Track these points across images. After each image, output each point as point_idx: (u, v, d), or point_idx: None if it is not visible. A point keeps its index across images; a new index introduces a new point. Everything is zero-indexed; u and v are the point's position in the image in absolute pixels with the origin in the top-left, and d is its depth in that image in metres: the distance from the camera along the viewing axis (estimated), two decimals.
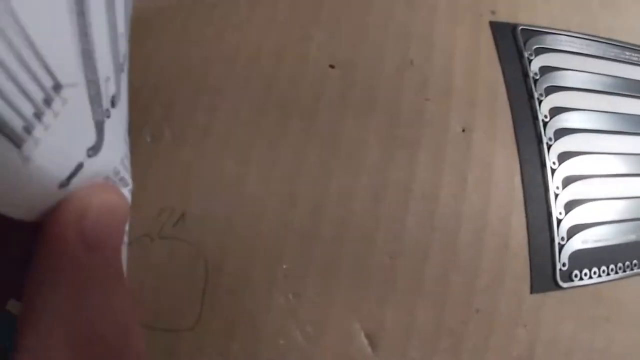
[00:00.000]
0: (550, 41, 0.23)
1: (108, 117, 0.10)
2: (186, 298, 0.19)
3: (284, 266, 0.19)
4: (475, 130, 0.20)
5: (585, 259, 0.21)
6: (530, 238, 0.20)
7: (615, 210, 0.22)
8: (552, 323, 0.20)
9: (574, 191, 0.21)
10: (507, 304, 0.19)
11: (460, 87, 0.21)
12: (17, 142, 0.07)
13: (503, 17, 0.24)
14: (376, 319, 0.18)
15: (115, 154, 0.11)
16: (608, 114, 0.23)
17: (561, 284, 0.20)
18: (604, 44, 0.25)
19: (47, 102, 0.08)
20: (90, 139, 0.09)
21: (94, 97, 0.09)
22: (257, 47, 0.21)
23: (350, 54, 0.21)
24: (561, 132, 0.21)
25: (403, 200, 0.19)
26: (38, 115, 0.08)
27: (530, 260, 0.20)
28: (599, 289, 0.22)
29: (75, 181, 0.09)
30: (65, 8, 0.08)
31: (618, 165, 0.22)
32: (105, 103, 0.09)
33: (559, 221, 0.20)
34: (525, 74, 0.22)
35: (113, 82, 0.10)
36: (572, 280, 0.21)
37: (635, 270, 0.23)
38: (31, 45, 0.07)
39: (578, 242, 0.21)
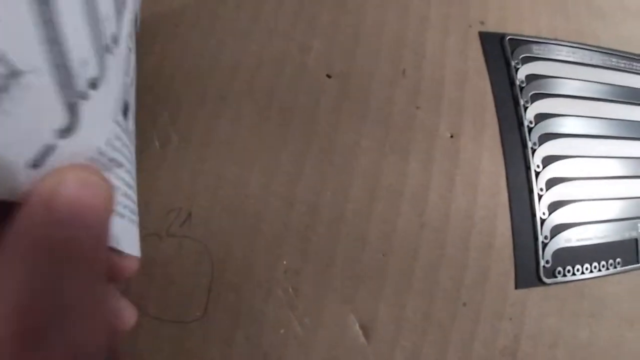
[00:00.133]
0: (536, 50, 0.25)
1: (85, 98, 0.10)
2: (193, 292, 0.20)
3: (284, 262, 0.20)
4: (463, 136, 0.21)
5: (569, 256, 0.22)
6: (514, 237, 0.21)
7: (598, 210, 0.23)
8: (537, 317, 0.22)
9: (557, 193, 0.22)
10: (492, 298, 0.21)
11: (450, 95, 0.22)
12: None
13: (492, 27, 0.25)
14: (369, 311, 0.20)
15: (98, 135, 0.11)
16: (591, 118, 0.24)
17: (545, 280, 0.21)
18: (590, 51, 0.26)
19: (4, 88, 0.08)
20: (59, 121, 0.09)
21: (64, 81, 0.09)
22: (259, 56, 0.23)
23: (346, 64, 0.22)
24: (545, 137, 0.23)
25: (394, 202, 0.20)
26: None
27: (514, 257, 0.21)
28: (582, 285, 0.23)
29: (51, 161, 0.09)
30: (24, 0, 0.08)
31: (600, 167, 0.23)
32: (82, 86, 0.10)
33: (543, 221, 0.21)
34: (512, 82, 0.23)
35: (94, 64, 0.10)
36: (556, 277, 0.22)
37: (618, 269, 0.24)
38: None
39: (561, 241, 0.22)
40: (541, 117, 0.23)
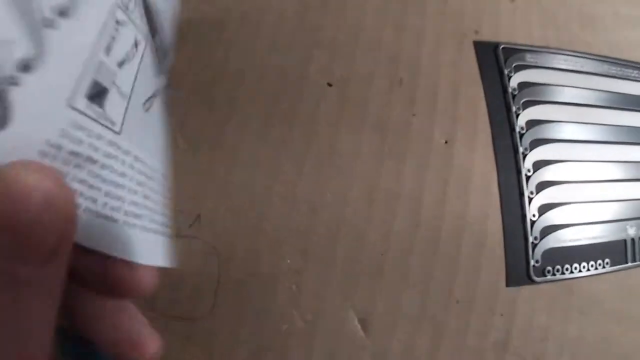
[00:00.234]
0: (529, 58, 0.26)
1: (15, 84, 0.08)
2: (201, 290, 0.21)
3: (288, 261, 0.21)
4: (457, 142, 0.22)
5: (558, 256, 0.23)
6: (505, 237, 0.22)
7: (587, 212, 0.24)
8: (527, 313, 0.23)
9: (547, 196, 0.23)
10: (484, 295, 0.22)
11: (445, 102, 0.23)
12: None
13: (486, 36, 0.26)
14: (367, 307, 0.21)
15: (43, 126, 0.09)
16: (581, 124, 0.25)
17: (535, 278, 0.23)
18: (581, 58, 0.27)
19: None
20: None
21: None
22: (264, 66, 0.24)
23: (345, 73, 0.23)
24: (536, 143, 0.24)
25: (392, 204, 0.21)
26: None
27: (505, 257, 0.22)
28: (572, 284, 0.24)
29: None
30: None
31: (590, 171, 0.24)
32: (8, 70, 0.08)
33: (533, 222, 0.23)
34: (505, 90, 0.24)
35: (22, 44, 0.09)
36: (545, 276, 0.23)
37: (607, 268, 0.25)
38: None
39: (551, 242, 0.23)
40: (532, 124, 0.24)
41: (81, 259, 0.10)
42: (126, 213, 0.11)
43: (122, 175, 0.11)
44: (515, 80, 0.25)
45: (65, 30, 0.10)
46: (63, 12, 0.10)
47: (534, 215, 0.23)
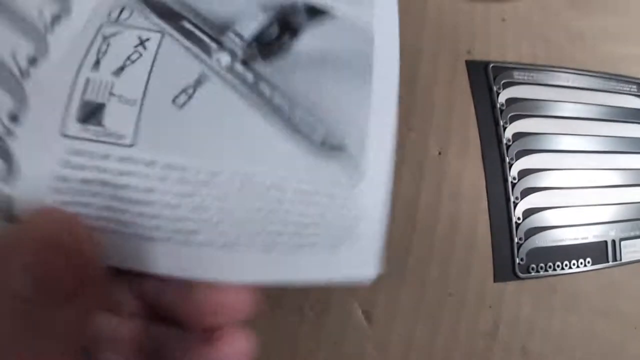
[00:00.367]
0: (517, 75, 0.28)
1: (11, 135, 0.09)
2: None
3: None
4: (449, 153, 0.25)
5: (542, 255, 0.26)
6: (493, 238, 0.25)
7: (568, 216, 0.27)
8: (513, 307, 0.25)
9: (531, 201, 0.26)
10: (474, 289, 0.24)
11: (439, 117, 0.26)
12: None
13: (478, 55, 0.29)
14: (370, 300, 0.23)
15: (42, 164, 0.09)
16: (564, 135, 0.28)
17: (520, 275, 0.25)
18: (566, 73, 0.29)
19: None
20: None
21: None
22: None
23: None
24: (522, 153, 0.26)
25: (391, 209, 0.24)
26: None
27: (493, 255, 0.25)
28: (555, 280, 0.26)
29: None
30: None
31: (570, 179, 0.27)
32: (3, 124, 0.09)
33: (517, 225, 0.25)
34: (494, 105, 0.27)
35: (7, 100, 0.09)
36: (530, 273, 0.25)
37: (589, 267, 0.27)
38: None
39: (534, 242, 0.26)
40: (518, 136, 0.27)
41: (159, 293, 0.10)
42: (174, 230, 0.10)
43: (149, 190, 0.10)
44: (503, 96, 0.27)
45: (41, 73, 0.10)
46: (33, 60, 0.10)
47: (518, 219, 0.25)
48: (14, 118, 0.09)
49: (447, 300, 0.24)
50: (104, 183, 0.10)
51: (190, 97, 0.12)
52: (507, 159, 0.26)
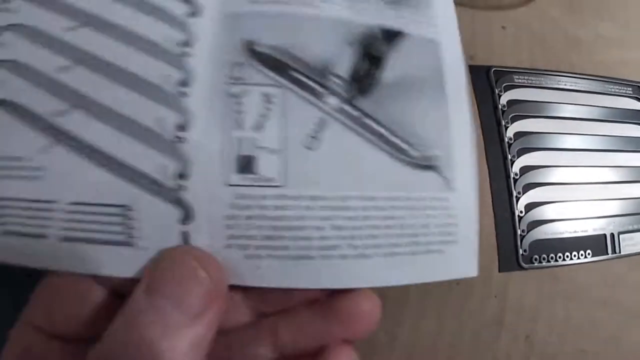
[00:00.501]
0: (516, 79, 0.30)
1: (183, 190, 0.13)
2: None
3: None
4: None
5: (544, 247, 0.27)
6: (497, 230, 0.26)
7: (568, 210, 0.28)
8: (518, 295, 0.27)
9: (532, 195, 0.27)
10: (480, 279, 0.26)
11: None
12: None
13: (480, 60, 0.31)
14: (379, 290, 0.25)
15: (214, 208, 0.13)
16: (562, 135, 0.29)
17: (523, 265, 0.27)
18: (564, 77, 0.31)
19: None
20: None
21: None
22: None
23: None
24: (522, 151, 0.28)
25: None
26: None
27: (497, 246, 0.26)
28: (557, 271, 0.28)
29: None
30: None
31: (569, 175, 0.29)
32: (175, 181, 0.13)
33: (520, 218, 0.27)
34: (496, 106, 0.29)
35: (173, 163, 0.13)
36: (533, 263, 0.27)
37: (589, 259, 0.29)
38: None
39: (536, 234, 0.27)
40: (519, 135, 0.28)
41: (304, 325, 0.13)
42: (320, 248, 0.13)
43: (300, 218, 0.13)
44: (504, 98, 0.29)
45: (193, 137, 0.12)
46: (181, 127, 0.12)
47: (521, 212, 0.27)
48: (182, 176, 0.12)
49: (454, 289, 0.26)
50: (264, 217, 0.12)
51: (318, 138, 0.14)
52: (509, 157, 0.27)
